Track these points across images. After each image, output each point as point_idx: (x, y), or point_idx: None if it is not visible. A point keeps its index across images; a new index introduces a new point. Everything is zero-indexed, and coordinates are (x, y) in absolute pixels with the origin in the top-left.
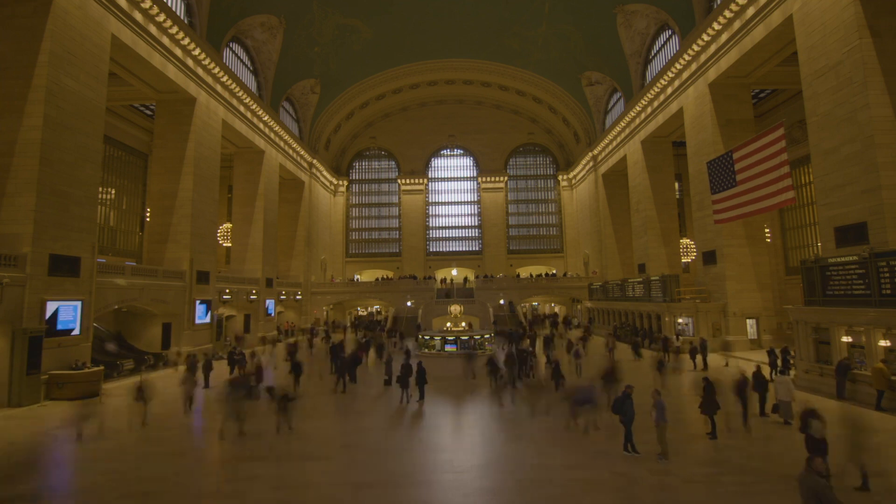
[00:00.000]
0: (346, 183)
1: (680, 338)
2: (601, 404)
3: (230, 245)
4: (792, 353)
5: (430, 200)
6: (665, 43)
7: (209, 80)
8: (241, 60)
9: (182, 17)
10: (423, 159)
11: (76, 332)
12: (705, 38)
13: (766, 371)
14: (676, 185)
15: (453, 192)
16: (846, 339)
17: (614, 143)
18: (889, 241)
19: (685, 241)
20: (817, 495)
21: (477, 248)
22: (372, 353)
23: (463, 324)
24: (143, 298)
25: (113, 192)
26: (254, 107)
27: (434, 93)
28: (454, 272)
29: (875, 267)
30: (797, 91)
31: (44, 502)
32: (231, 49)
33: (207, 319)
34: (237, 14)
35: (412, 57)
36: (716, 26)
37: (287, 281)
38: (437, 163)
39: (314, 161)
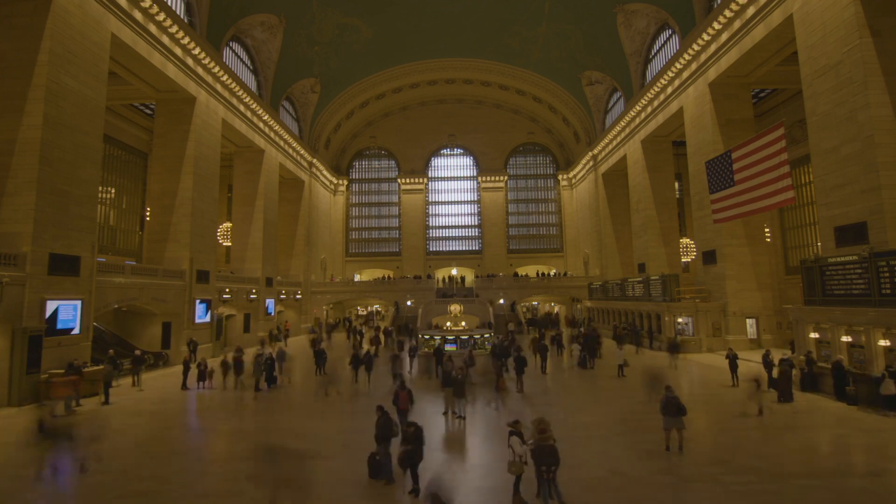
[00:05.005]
0: (346, 182)
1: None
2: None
3: (230, 244)
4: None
5: (430, 200)
6: (665, 42)
7: (209, 79)
8: (241, 59)
9: (182, 17)
10: (423, 159)
11: (76, 331)
12: (705, 37)
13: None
14: (676, 184)
15: (453, 191)
16: (846, 338)
17: (614, 143)
18: (889, 241)
19: (685, 240)
20: None
21: (477, 248)
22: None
23: (463, 323)
24: (143, 298)
25: (113, 191)
26: (254, 106)
27: (434, 92)
28: (454, 271)
29: (875, 267)
30: (797, 91)
31: None
32: (231, 48)
33: (207, 319)
34: (237, 13)
35: (412, 56)
36: (716, 26)
37: (287, 280)
38: (437, 162)
39: (314, 160)
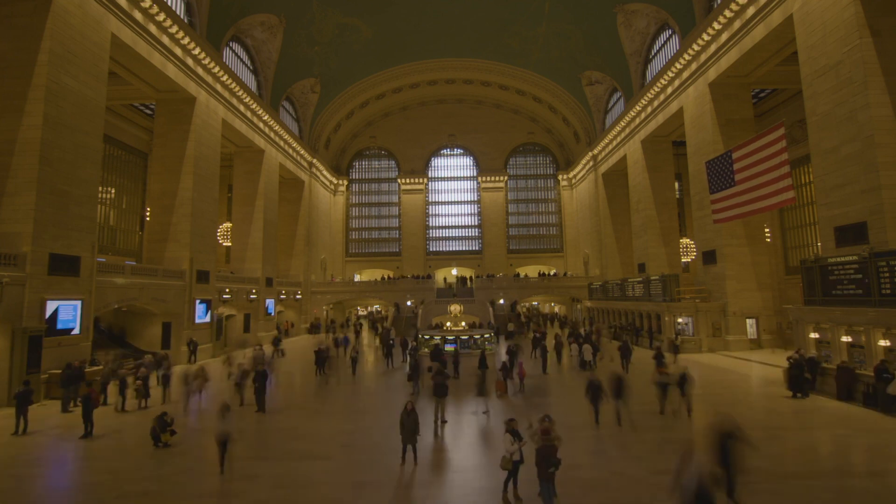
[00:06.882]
0: (346, 182)
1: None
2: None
3: (230, 244)
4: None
5: (430, 200)
6: (665, 42)
7: (209, 79)
8: (241, 60)
9: (182, 17)
10: (423, 159)
11: (76, 331)
12: (705, 37)
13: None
14: (676, 184)
15: (453, 191)
16: (846, 338)
17: (614, 143)
18: (889, 241)
19: (685, 240)
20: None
21: (477, 248)
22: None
23: (462, 323)
24: (143, 298)
25: (113, 191)
26: (254, 106)
27: (434, 92)
28: (454, 272)
29: (875, 267)
30: (797, 91)
31: None
32: (231, 48)
33: (207, 319)
34: (237, 13)
35: (412, 56)
36: (716, 26)
37: (287, 280)
38: (437, 162)
39: (314, 160)
